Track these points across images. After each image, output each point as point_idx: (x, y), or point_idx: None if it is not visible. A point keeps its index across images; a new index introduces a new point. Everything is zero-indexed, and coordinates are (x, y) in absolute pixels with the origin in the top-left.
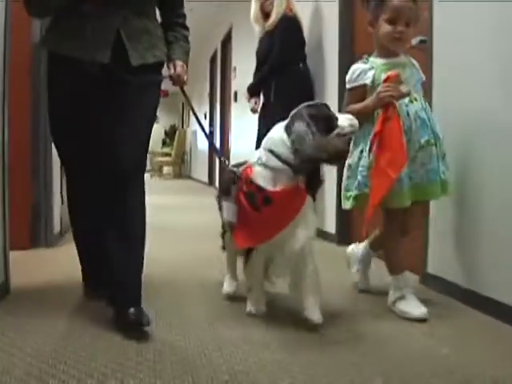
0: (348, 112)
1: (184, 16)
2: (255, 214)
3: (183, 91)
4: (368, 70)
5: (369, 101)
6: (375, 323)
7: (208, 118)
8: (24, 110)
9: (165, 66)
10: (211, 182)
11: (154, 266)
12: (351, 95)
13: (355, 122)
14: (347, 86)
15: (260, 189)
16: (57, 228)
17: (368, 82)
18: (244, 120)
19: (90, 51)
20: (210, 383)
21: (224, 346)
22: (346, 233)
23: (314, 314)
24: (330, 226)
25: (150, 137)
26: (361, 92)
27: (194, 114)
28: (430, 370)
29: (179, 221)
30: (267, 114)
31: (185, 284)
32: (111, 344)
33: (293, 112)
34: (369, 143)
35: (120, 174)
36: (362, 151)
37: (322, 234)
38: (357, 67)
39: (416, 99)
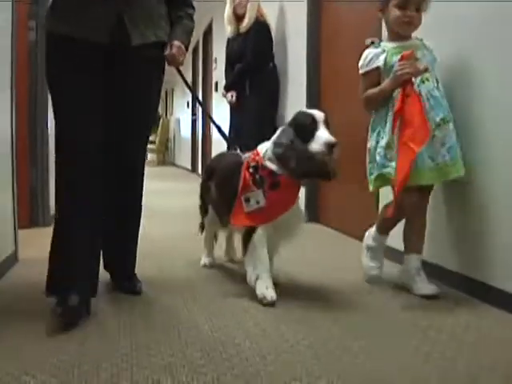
0: (366, 98)
1: None
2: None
3: (179, 71)
4: (380, 53)
5: (385, 83)
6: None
7: (190, 106)
8: (22, 103)
9: None
10: (194, 168)
11: (143, 241)
12: (366, 80)
13: (331, 141)
14: (360, 71)
15: (273, 174)
16: (52, 210)
17: (381, 64)
18: (224, 108)
19: (89, 31)
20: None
21: (200, 298)
22: (314, 211)
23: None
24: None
25: (152, 118)
26: (375, 75)
27: (188, 86)
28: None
29: (164, 204)
30: (242, 107)
31: (169, 254)
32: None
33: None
34: (387, 124)
35: (123, 159)
36: (378, 133)
37: None
38: (369, 52)
39: (428, 79)
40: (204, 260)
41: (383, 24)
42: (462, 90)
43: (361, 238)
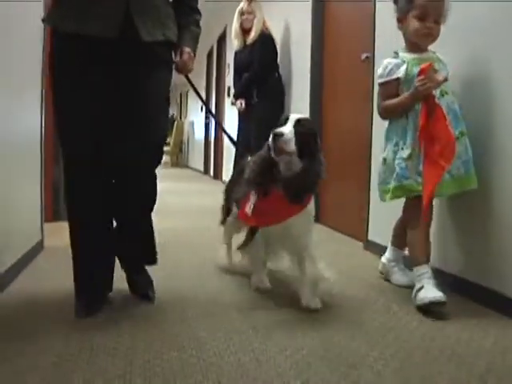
0: (385, 108)
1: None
2: (256, 205)
3: (188, 79)
4: (400, 64)
5: (405, 96)
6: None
7: (204, 110)
8: (50, 103)
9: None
10: (206, 170)
11: (160, 235)
12: (385, 89)
13: (276, 131)
14: (379, 80)
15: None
16: None
17: (401, 75)
18: (236, 113)
19: (97, 27)
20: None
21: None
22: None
23: (311, 302)
24: None
25: (165, 120)
26: (394, 86)
27: (197, 93)
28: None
29: (179, 203)
30: (250, 113)
31: (184, 245)
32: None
33: None
34: (408, 136)
35: (130, 162)
36: (396, 144)
37: None
38: (389, 62)
39: (447, 92)
40: (222, 261)
41: (376, 38)
42: (475, 101)
43: (355, 237)
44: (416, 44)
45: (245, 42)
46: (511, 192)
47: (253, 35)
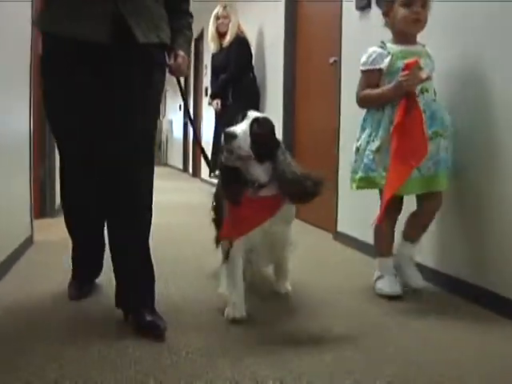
0: (363, 96)
1: (188, 2)
2: (230, 213)
3: (179, 82)
4: (385, 55)
5: (387, 89)
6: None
7: (182, 109)
8: (39, 103)
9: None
10: (185, 168)
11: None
12: (366, 78)
13: (229, 136)
14: (361, 67)
15: None
16: (57, 202)
17: (384, 66)
18: (213, 112)
19: (86, 30)
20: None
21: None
22: None
23: (282, 287)
24: None
25: (155, 123)
26: (376, 76)
27: (186, 105)
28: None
29: (160, 200)
30: (226, 113)
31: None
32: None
33: None
34: (381, 128)
35: (122, 164)
36: (370, 135)
37: None
38: (373, 50)
39: (427, 90)
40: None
41: (343, 43)
42: (467, 98)
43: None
44: (404, 35)
45: (221, 44)
46: (507, 189)
47: (228, 38)
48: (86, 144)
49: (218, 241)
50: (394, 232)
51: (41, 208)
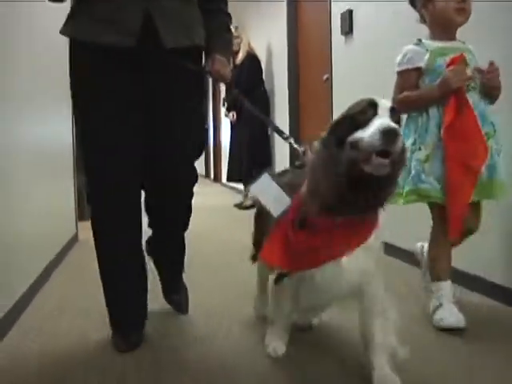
0: (402, 100)
1: (225, 1)
2: (292, 238)
3: (228, 88)
4: (422, 53)
5: (430, 88)
6: None
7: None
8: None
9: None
10: (207, 174)
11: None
12: (403, 80)
13: (394, 135)
14: (397, 68)
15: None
16: None
17: (422, 65)
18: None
19: (113, 35)
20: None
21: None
22: None
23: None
24: None
25: (200, 135)
26: (414, 76)
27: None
28: None
29: None
30: (240, 124)
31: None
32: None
33: None
34: (427, 135)
35: (159, 185)
36: (414, 143)
37: None
38: (409, 49)
39: (474, 88)
40: (256, 308)
41: (333, 62)
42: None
43: None
44: (444, 29)
45: (234, 62)
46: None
47: (240, 56)
48: (126, 161)
49: (254, 257)
50: (451, 251)
51: (79, 212)
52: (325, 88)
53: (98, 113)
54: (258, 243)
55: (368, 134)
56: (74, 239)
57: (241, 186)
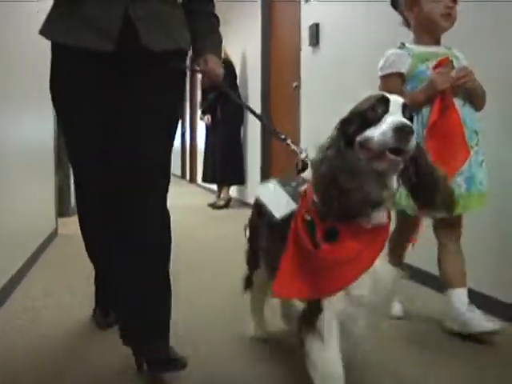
0: None
1: (212, 3)
2: (313, 253)
3: (222, 88)
4: (405, 57)
5: (415, 92)
6: None
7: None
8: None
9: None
10: (183, 175)
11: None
12: (386, 84)
13: (408, 132)
14: (380, 73)
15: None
16: (73, 203)
17: (404, 70)
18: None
19: (90, 37)
20: None
21: None
22: None
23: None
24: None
25: (173, 136)
26: (397, 81)
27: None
28: None
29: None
30: (215, 127)
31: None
32: None
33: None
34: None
35: (134, 179)
36: None
37: (245, 205)
38: (391, 53)
39: (457, 94)
40: (254, 331)
41: (301, 71)
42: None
43: None
44: (428, 34)
45: None
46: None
47: None
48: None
49: (247, 283)
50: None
51: (59, 208)
52: (294, 94)
53: (78, 117)
54: (252, 262)
55: (380, 131)
56: (54, 234)
57: (215, 187)
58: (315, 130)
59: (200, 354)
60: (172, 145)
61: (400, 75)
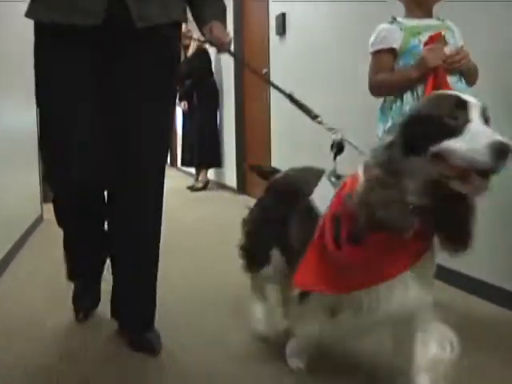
0: (377, 83)
1: None
2: (334, 252)
3: (232, 54)
4: (396, 31)
5: (407, 69)
6: None
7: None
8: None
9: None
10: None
11: None
12: (377, 61)
13: (507, 154)
14: (370, 49)
15: (354, 218)
16: None
17: (396, 45)
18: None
19: (78, 14)
20: None
21: None
22: (243, 185)
23: None
24: (231, 180)
25: (169, 123)
26: (389, 57)
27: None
28: None
29: None
30: (192, 113)
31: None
32: None
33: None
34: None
35: (129, 171)
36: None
37: (222, 187)
38: (382, 28)
39: (451, 72)
40: (259, 326)
41: (270, 58)
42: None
43: None
44: (419, 6)
45: (185, 55)
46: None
47: (191, 50)
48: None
49: (250, 269)
50: None
51: (44, 194)
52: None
53: (68, 109)
54: (247, 250)
55: (470, 147)
56: (40, 219)
57: (193, 170)
58: (284, 114)
59: (178, 334)
60: (169, 126)
61: (392, 51)
